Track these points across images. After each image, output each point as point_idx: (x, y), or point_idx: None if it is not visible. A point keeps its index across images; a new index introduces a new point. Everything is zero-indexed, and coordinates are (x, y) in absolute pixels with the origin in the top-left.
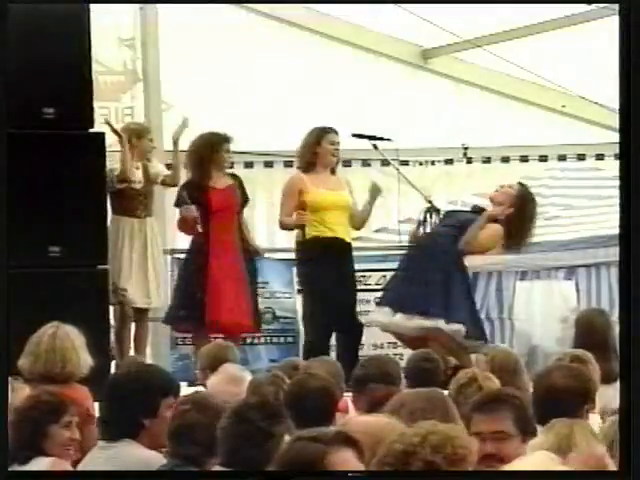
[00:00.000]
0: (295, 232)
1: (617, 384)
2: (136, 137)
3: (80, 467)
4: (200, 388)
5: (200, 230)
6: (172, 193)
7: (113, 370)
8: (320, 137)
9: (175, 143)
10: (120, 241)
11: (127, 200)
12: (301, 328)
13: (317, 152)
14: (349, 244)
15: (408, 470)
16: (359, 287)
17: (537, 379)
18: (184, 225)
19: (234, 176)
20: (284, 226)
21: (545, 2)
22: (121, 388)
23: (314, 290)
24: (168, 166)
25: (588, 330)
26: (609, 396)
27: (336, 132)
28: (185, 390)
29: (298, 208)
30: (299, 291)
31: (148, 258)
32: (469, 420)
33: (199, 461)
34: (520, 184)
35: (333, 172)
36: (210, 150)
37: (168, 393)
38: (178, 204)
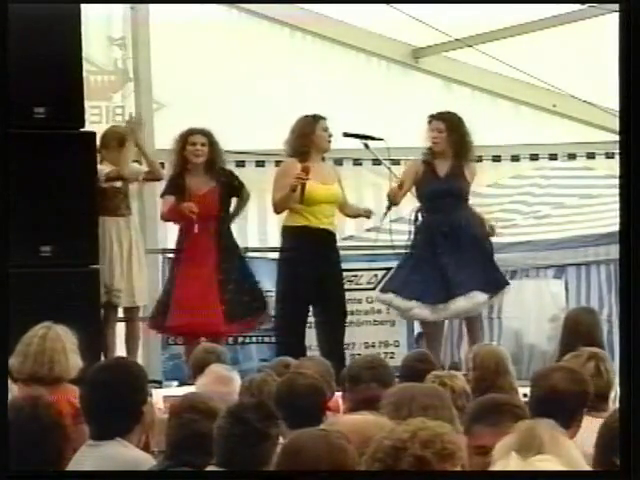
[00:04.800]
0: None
1: None
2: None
3: (69, 465)
4: (190, 388)
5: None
6: (161, 192)
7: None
8: (314, 125)
9: (137, 143)
10: (108, 241)
11: (110, 199)
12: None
13: (312, 140)
14: (334, 235)
15: (408, 470)
16: (350, 287)
17: (536, 379)
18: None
19: (218, 177)
20: (279, 203)
21: (543, 2)
22: (117, 381)
23: (294, 272)
24: (162, 164)
25: (575, 328)
26: None
27: (325, 118)
28: (175, 390)
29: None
30: (277, 282)
31: (133, 257)
32: (468, 430)
33: (201, 466)
34: (439, 119)
35: (323, 159)
36: (179, 144)
37: (147, 377)
38: (164, 194)
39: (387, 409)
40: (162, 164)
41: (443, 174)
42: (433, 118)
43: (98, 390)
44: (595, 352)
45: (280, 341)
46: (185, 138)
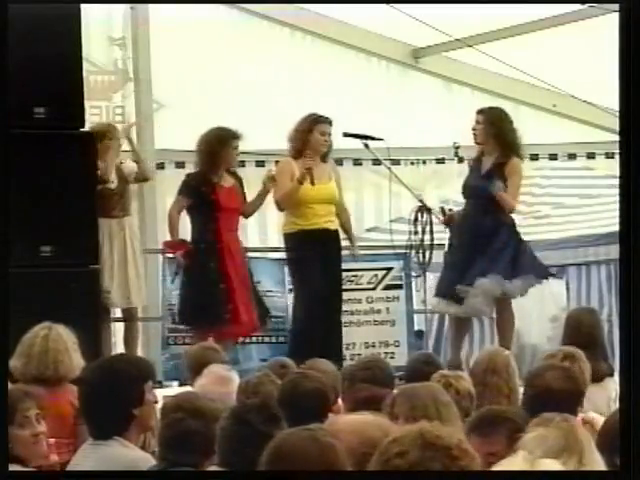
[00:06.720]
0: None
1: (604, 383)
2: (108, 138)
3: (69, 466)
4: (188, 388)
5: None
6: (161, 192)
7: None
8: (312, 125)
9: (129, 140)
10: (100, 242)
11: (103, 201)
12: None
13: (308, 140)
14: (336, 232)
15: (409, 471)
16: (350, 287)
17: (530, 378)
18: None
19: (235, 175)
20: (282, 199)
21: (543, 2)
22: (105, 383)
23: (304, 281)
24: (162, 164)
25: (577, 328)
26: (596, 395)
27: (329, 122)
28: (176, 390)
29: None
30: (290, 290)
31: (128, 258)
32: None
33: (195, 466)
34: (479, 112)
35: (324, 160)
36: (220, 145)
37: (147, 377)
38: (181, 192)
39: (400, 409)
40: (162, 164)
41: (484, 171)
42: (476, 113)
43: (91, 389)
44: (570, 351)
45: (301, 343)
46: (229, 142)
